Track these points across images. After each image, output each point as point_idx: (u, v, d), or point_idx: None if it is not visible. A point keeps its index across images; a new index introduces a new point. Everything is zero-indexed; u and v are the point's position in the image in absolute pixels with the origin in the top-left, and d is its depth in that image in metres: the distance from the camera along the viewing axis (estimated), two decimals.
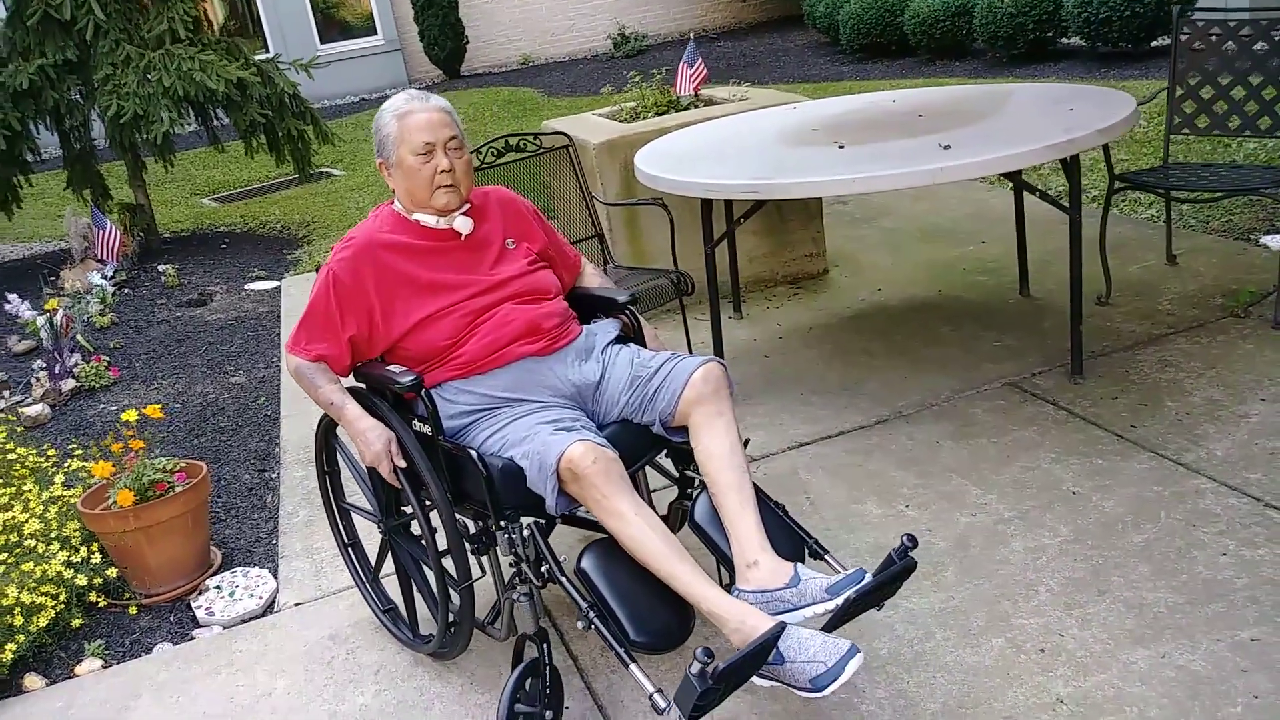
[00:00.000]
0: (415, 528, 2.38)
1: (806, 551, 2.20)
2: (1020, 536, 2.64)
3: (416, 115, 2.31)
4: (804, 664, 1.86)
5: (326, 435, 2.66)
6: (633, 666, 1.92)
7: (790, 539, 2.20)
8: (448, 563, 2.27)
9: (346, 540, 2.80)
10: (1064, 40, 9.10)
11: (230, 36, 7.13)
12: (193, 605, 2.97)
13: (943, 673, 2.23)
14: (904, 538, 1.99)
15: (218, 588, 3.01)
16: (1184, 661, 2.16)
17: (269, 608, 2.93)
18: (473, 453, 2.15)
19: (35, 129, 6.84)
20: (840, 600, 1.96)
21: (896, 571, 1.98)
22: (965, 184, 5.79)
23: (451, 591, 2.32)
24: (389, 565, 2.66)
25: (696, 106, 4.85)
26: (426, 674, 2.52)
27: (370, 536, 2.78)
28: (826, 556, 2.19)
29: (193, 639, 2.85)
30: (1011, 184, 3.69)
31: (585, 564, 2.06)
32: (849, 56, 11.20)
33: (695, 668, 1.74)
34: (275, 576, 3.06)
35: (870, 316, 4.20)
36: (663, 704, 1.87)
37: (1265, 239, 4.28)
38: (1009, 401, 3.32)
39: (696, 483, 2.34)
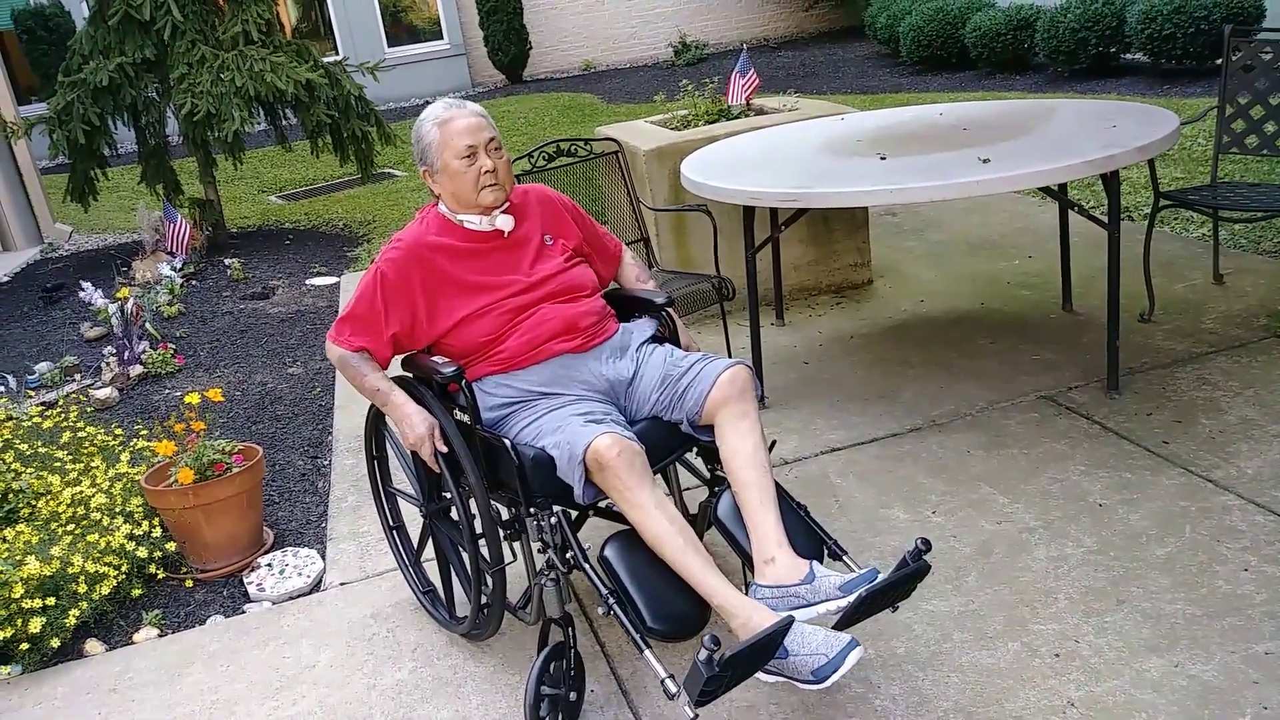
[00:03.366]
0: (454, 513, 2.50)
1: (825, 552, 2.27)
2: (1043, 545, 2.69)
3: (457, 121, 2.42)
4: (806, 657, 1.94)
5: (376, 423, 2.78)
6: (647, 652, 2.00)
7: (810, 538, 2.27)
8: (482, 547, 2.38)
9: (392, 523, 2.93)
10: (1126, 56, 9.02)
11: (301, 39, 7.37)
12: (245, 581, 3.12)
13: (957, 673, 2.29)
14: (918, 540, 2.06)
15: (269, 565, 3.16)
16: (1196, 671, 2.20)
17: (316, 586, 3.07)
18: (507, 441, 2.25)
19: (113, 124, 7.14)
20: (853, 597, 2.02)
21: (910, 573, 2.03)
22: (1014, 198, 5.79)
23: (485, 575, 2.43)
24: (429, 550, 2.79)
25: (747, 115, 4.93)
26: (461, 654, 2.63)
27: (414, 521, 2.90)
28: (845, 557, 2.26)
29: (244, 613, 3.00)
30: (1056, 199, 3.71)
31: (607, 552, 2.15)
32: (908, 68, 11.19)
33: (703, 654, 1.82)
34: (323, 557, 3.20)
35: (911, 327, 4.25)
36: (674, 689, 1.94)
37: None
38: (1043, 414, 3.36)
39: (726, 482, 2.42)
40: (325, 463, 3.86)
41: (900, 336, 4.16)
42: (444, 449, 2.36)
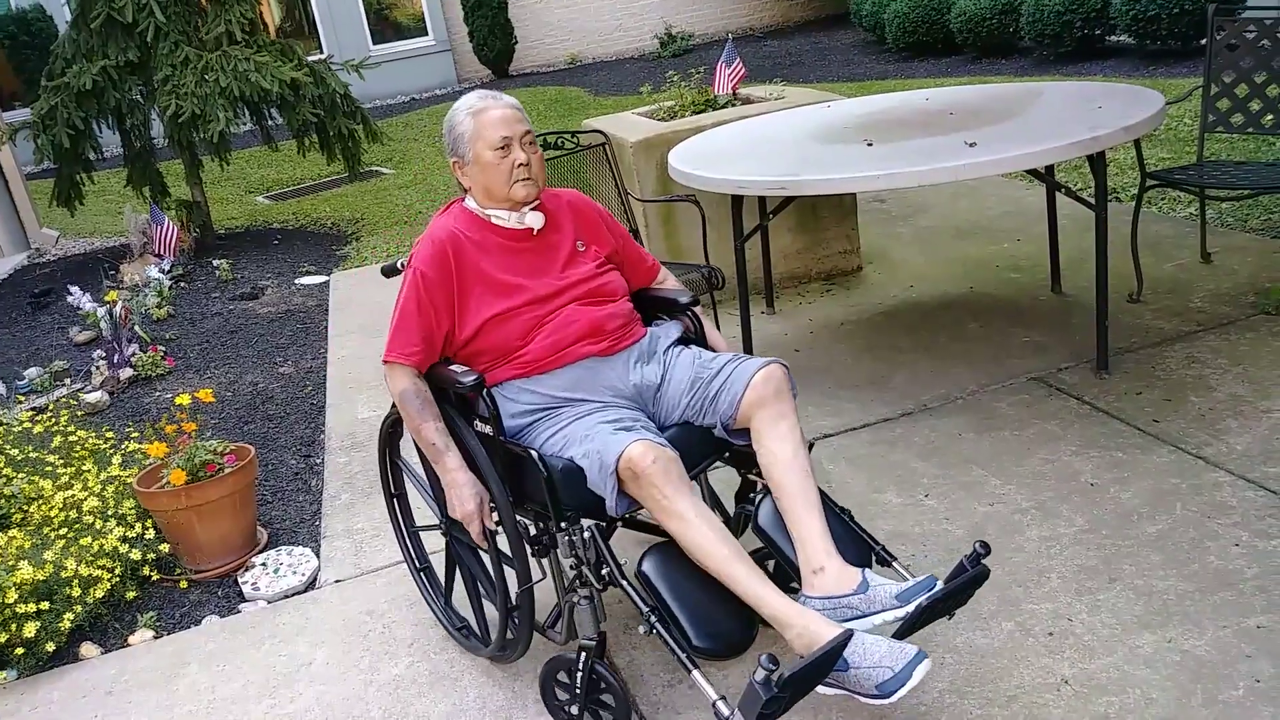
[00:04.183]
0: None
1: (873, 558, 2.17)
2: (1036, 526, 2.70)
3: (492, 112, 2.31)
4: (870, 670, 1.84)
5: (391, 455, 2.65)
6: (695, 673, 1.90)
7: (856, 544, 2.16)
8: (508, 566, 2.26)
9: (419, 565, 2.78)
10: (1112, 38, 9.03)
11: (285, 38, 7.35)
12: (239, 581, 3.12)
13: (952, 653, 2.30)
14: (976, 544, 1.98)
15: (263, 565, 3.15)
16: (1189, 646, 2.21)
17: (311, 584, 3.07)
18: (534, 453, 2.13)
19: (98, 128, 7.12)
20: (911, 608, 1.94)
21: (969, 579, 1.96)
22: (1002, 182, 5.80)
23: (511, 595, 2.30)
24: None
25: (734, 105, 4.93)
26: (457, 648, 2.63)
27: (437, 550, 2.77)
28: (894, 563, 2.18)
29: (239, 612, 2.99)
30: (1043, 182, 3.72)
31: (646, 567, 2.03)
32: (894, 55, 11.19)
33: (760, 674, 1.71)
34: (317, 555, 3.20)
35: (902, 313, 4.25)
36: (726, 712, 1.83)
37: None
38: (1033, 396, 3.37)
39: (759, 487, 2.31)
40: (318, 461, 3.85)
41: (890, 322, 4.17)
42: (494, 527, 2.22)
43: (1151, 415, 3.13)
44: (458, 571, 2.61)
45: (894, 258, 4.94)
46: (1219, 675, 2.12)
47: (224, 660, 2.76)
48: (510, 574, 2.26)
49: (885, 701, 1.82)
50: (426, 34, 15.44)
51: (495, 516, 2.24)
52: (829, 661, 1.81)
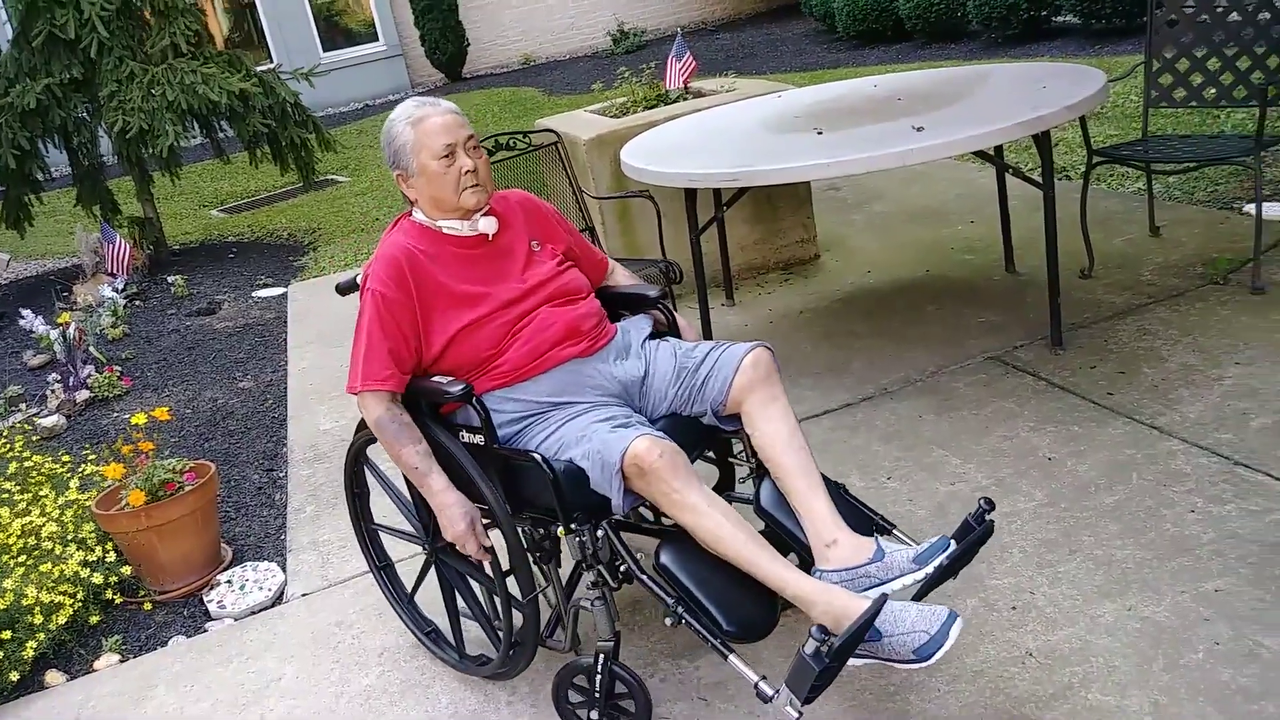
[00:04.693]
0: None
1: (873, 527, 2.17)
2: (997, 502, 2.71)
3: (432, 119, 2.26)
4: (904, 636, 1.85)
5: (357, 458, 2.57)
6: (732, 658, 1.91)
7: (858, 516, 2.16)
8: (510, 580, 2.23)
9: (379, 563, 2.72)
10: (1058, 19, 9.14)
11: (233, 49, 7.27)
12: (205, 600, 3.09)
13: None
14: (981, 501, 1.99)
15: (228, 582, 3.12)
16: (1149, 613, 2.24)
17: (278, 599, 3.04)
18: (537, 456, 2.08)
19: (44, 147, 7.00)
20: (931, 569, 1.95)
21: (979, 536, 1.98)
22: (954, 165, 5.85)
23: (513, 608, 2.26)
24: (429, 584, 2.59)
25: (686, 99, 4.94)
26: (428, 655, 2.62)
27: (398, 554, 2.77)
28: (895, 530, 2.19)
29: (205, 631, 2.96)
30: (992, 163, 3.75)
31: (665, 559, 2.02)
32: (846, 44, 11.25)
33: (810, 647, 1.71)
34: (284, 569, 3.17)
35: (859, 299, 4.28)
36: (770, 691, 1.84)
37: (1248, 207, 4.33)
38: (990, 375, 3.40)
39: (749, 470, 2.32)
40: (281, 474, 3.82)
41: (849, 308, 4.20)
42: (489, 544, 2.18)
43: (1106, 388, 3.17)
44: (425, 581, 2.58)
45: (850, 245, 4.97)
46: (1179, 640, 2.15)
47: (192, 680, 2.73)
48: (511, 584, 2.23)
49: (923, 665, 1.83)
50: (377, 39, 15.32)
51: (488, 534, 2.19)
52: (863, 632, 1.82)
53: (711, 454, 2.54)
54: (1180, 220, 4.38)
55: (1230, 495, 2.56)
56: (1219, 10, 3.97)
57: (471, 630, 2.53)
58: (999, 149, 3.82)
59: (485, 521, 2.22)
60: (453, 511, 2.17)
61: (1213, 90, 4.01)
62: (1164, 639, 2.16)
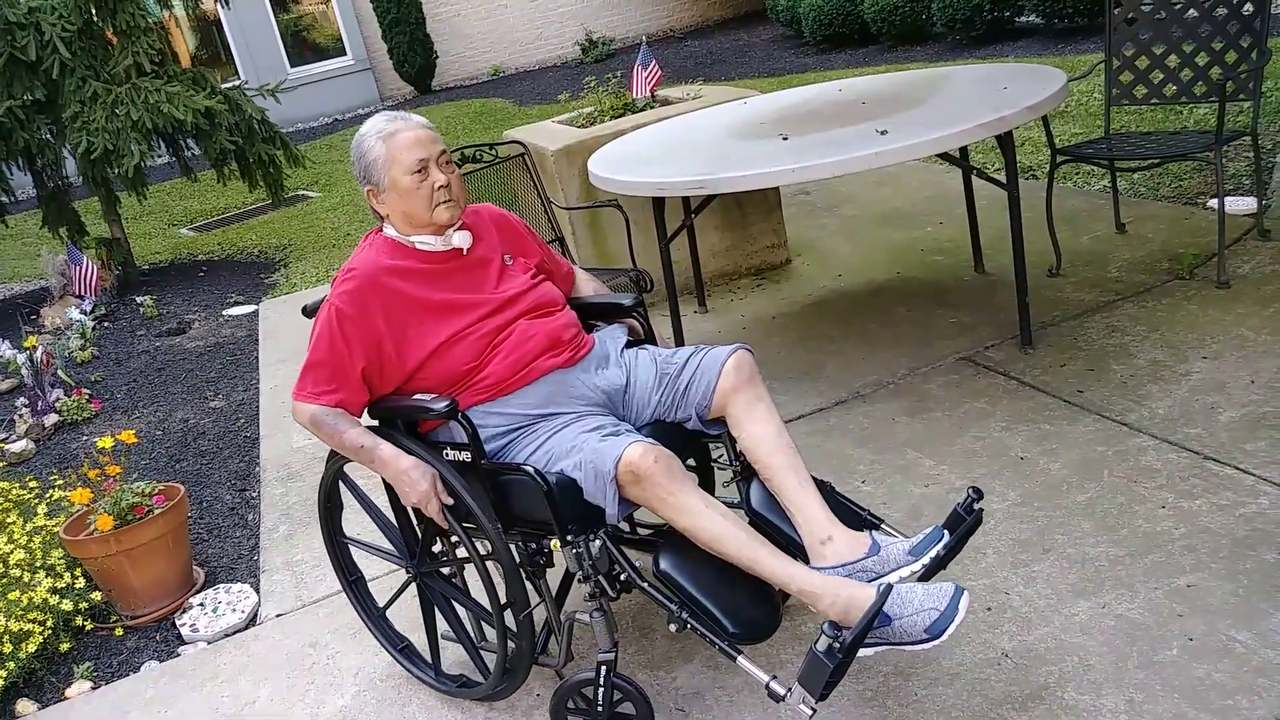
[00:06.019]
0: (456, 561, 2.34)
1: (861, 523, 2.17)
2: None
3: (404, 134, 2.24)
4: (913, 616, 1.86)
5: (336, 477, 2.50)
6: (740, 659, 1.91)
7: (846, 513, 2.16)
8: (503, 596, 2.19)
9: (350, 576, 2.66)
10: (1021, 19, 9.22)
11: (200, 66, 7.21)
12: (177, 623, 3.05)
13: None
14: (970, 490, 2.00)
15: (201, 605, 3.09)
16: (1123, 610, 2.25)
17: (252, 620, 3.01)
18: (529, 469, 2.05)
19: (8, 170, 6.93)
20: (927, 559, 1.97)
21: (970, 525, 2.00)
22: (923, 167, 5.89)
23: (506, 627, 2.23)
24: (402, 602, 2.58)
25: (652, 107, 4.94)
26: (403, 674, 2.59)
27: (370, 571, 2.74)
28: (883, 525, 2.19)
29: (179, 655, 2.92)
30: (958, 165, 3.77)
31: (665, 565, 2.01)
32: (813, 48, 11.31)
33: (823, 643, 1.72)
34: (257, 590, 3.14)
35: (831, 302, 4.29)
36: (782, 690, 1.84)
37: (1211, 202, 4.37)
38: (962, 375, 3.42)
39: (732, 475, 2.33)
40: (254, 495, 3.78)
41: (821, 312, 4.21)
42: (450, 502, 2.15)
43: (1076, 386, 3.19)
44: (438, 613, 2.51)
45: (821, 248, 4.99)
46: (1153, 636, 2.16)
47: (165, 706, 2.70)
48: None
49: (936, 642, 1.84)
50: (345, 54, 15.27)
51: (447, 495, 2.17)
52: (874, 621, 1.82)
53: (691, 461, 2.53)
54: (1145, 217, 4.42)
55: (1200, 490, 2.58)
56: (1176, 7, 4.01)
57: (450, 650, 2.51)
58: (964, 150, 3.84)
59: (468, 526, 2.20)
60: (412, 474, 2.14)
61: (1173, 87, 4.05)
62: (1138, 636, 2.17)
